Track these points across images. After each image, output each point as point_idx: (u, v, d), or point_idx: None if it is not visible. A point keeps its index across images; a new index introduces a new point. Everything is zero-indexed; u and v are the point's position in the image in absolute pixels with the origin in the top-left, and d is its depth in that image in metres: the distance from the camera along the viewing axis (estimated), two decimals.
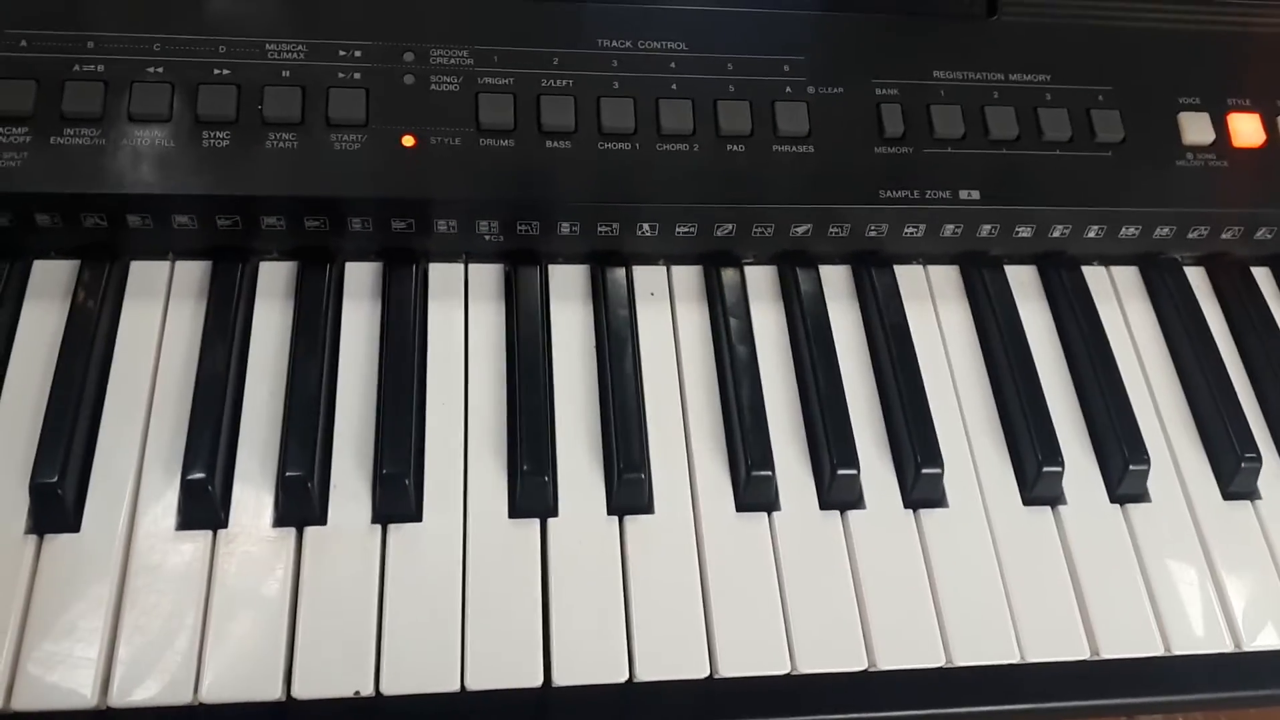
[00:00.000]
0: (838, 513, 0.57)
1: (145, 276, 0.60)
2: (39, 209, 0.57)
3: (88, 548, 0.52)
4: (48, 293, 0.58)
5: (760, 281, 0.64)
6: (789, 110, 0.62)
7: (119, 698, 0.49)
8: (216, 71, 0.59)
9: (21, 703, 0.48)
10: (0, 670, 0.48)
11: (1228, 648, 0.56)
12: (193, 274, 0.60)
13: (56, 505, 0.52)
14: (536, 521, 0.55)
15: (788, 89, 0.63)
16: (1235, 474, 0.60)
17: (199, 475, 0.53)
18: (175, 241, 0.60)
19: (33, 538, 0.52)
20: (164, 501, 0.53)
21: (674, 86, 0.62)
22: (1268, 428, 0.64)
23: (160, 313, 0.59)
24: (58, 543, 0.52)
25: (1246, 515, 0.60)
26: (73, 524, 0.52)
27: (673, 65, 0.63)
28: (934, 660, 0.54)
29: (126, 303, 0.59)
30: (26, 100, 0.57)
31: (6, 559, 0.51)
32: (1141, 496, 0.60)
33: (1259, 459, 0.60)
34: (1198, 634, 0.56)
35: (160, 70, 0.59)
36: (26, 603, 0.50)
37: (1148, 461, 0.59)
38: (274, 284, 0.60)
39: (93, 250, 0.59)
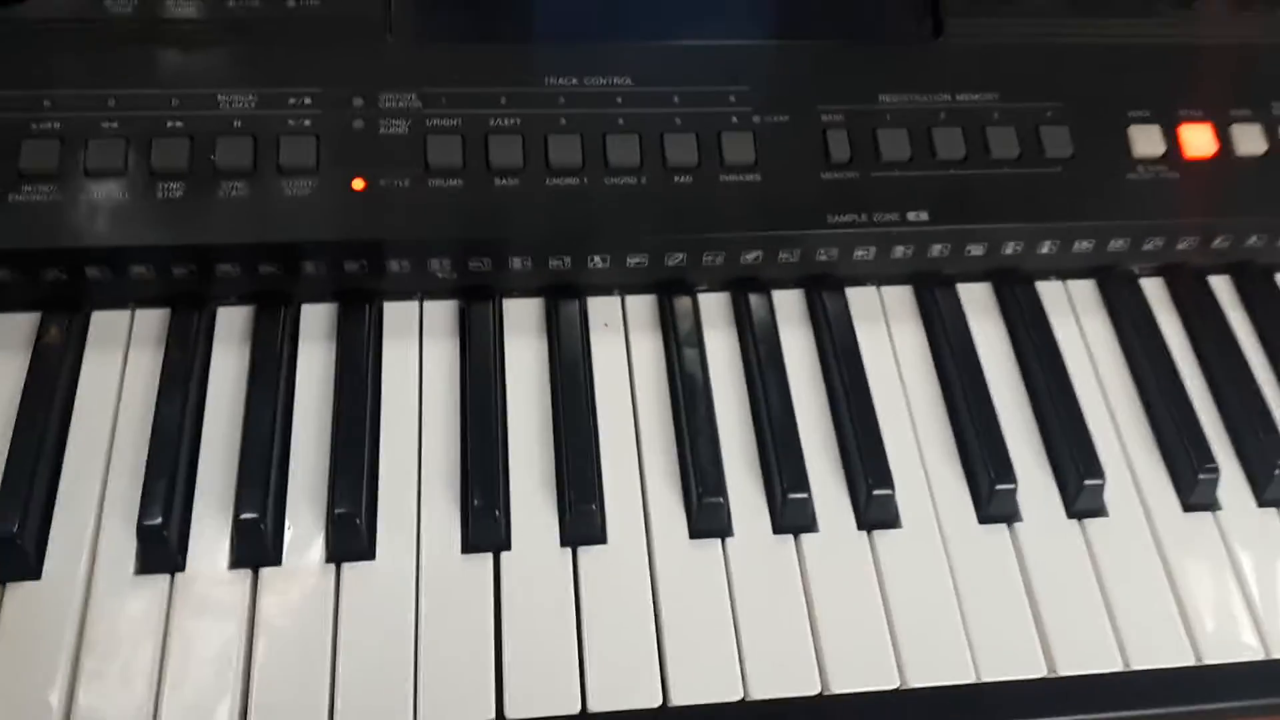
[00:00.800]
0: (791, 537, 0.57)
1: (106, 326, 0.61)
2: None
3: (49, 595, 0.53)
4: (9, 345, 0.60)
5: (713, 308, 0.65)
6: (735, 140, 0.63)
7: None
8: (169, 124, 0.60)
9: None
10: None
11: (1189, 661, 0.56)
12: (152, 322, 0.61)
13: (17, 553, 0.53)
14: (490, 555, 0.56)
15: (733, 119, 0.64)
16: (1194, 486, 0.60)
17: (155, 521, 0.53)
18: (134, 291, 0.61)
19: None
20: (123, 546, 0.54)
21: (620, 121, 0.63)
22: (1228, 438, 0.63)
23: (120, 361, 0.60)
24: (19, 590, 0.53)
25: (1207, 527, 0.60)
26: (34, 571, 0.53)
27: (619, 100, 0.64)
28: (889, 683, 0.54)
29: (88, 352, 0.60)
30: None
31: None
32: (1099, 511, 0.60)
33: (1217, 470, 0.60)
34: (1159, 648, 0.56)
35: (115, 125, 0.60)
36: None
37: (1102, 476, 0.59)
38: (231, 329, 0.62)
39: (54, 302, 0.61)
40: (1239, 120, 0.68)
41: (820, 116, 0.65)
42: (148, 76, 0.61)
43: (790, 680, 0.53)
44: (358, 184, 0.60)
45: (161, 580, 0.54)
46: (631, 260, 0.63)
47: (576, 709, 0.52)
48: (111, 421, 0.58)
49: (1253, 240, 0.68)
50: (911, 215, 0.63)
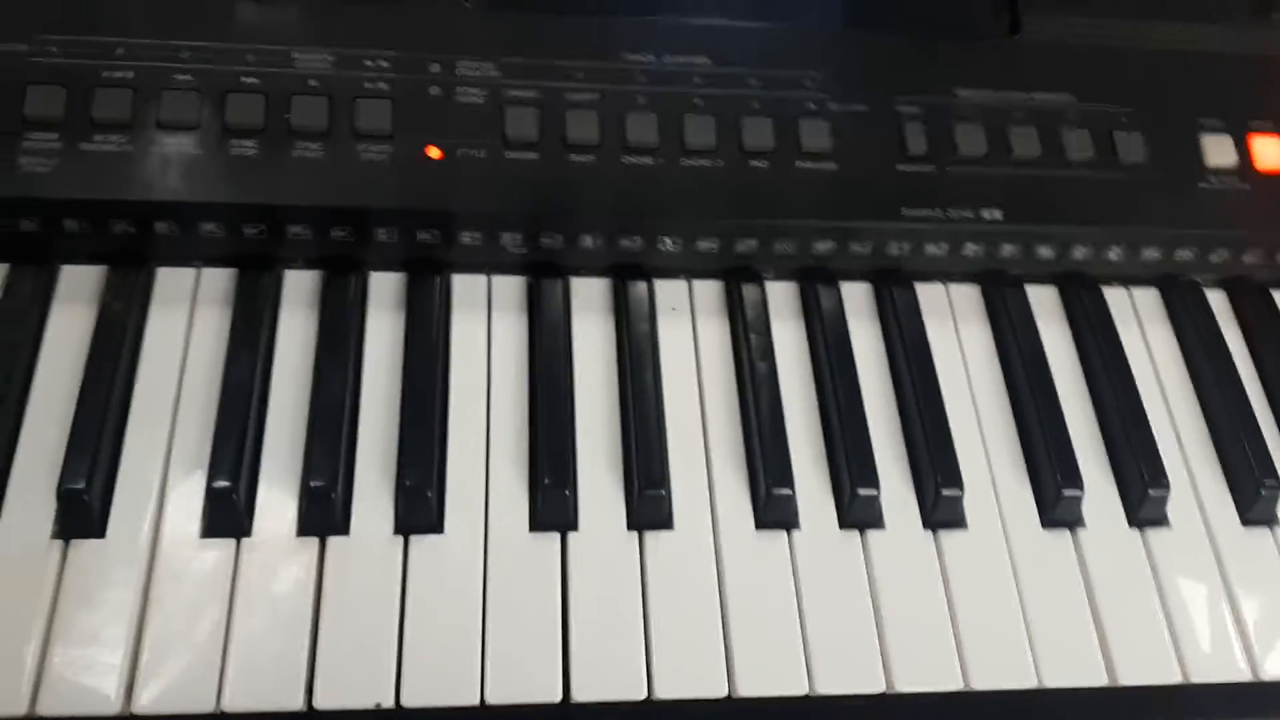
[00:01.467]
0: (857, 532, 0.57)
1: (172, 284, 0.60)
2: (67, 215, 0.57)
3: (113, 554, 0.52)
4: (75, 298, 0.59)
5: (781, 298, 0.65)
6: (812, 127, 0.62)
7: (142, 704, 0.49)
8: (244, 80, 0.59)
9: (46, 708, 0.48)
10: (26, 675, 0.49)
11: (1245, 676, 0.56)
12: (219, 282, 0.60)
13: (83, 511, 0.52)
14: (557, 535, 0.55)
15: (811, 105, 0.63)
16: (1255, 500, 0.60)
17: (224, 483, 0.53)
18: (202, 249, 0.60)
19: (59, 543, 0.52)
20: (189, 509, 0.54)
21: (698, 101, 0.62)
22: None
23: (186, 320, 0.59)
24: (83, 548, 0.52)
25: (1265, 542, 0.60)
26: (98, 530, 0.53)
27: (697, 80, 0.63)
28: (952, 684, 0.54)
29: (153, 309, 0.59)
30: (57, 106, 0.57)
31: (33, 564, 0.51)
32: (1160, 521, 0.60)
33: (1279, 485, 0.60)
34: (1215, 661, 0.56)
35: (189, 78, 0.59)
36: (52, 608, 0.51)
37: (1167, 486, 0.59)
38: (299, 293, 0.61)
39: (120, 256, 0.60)
40: None
41: (897, 108, 0.64)
42: (223, 30, 0.60)
43: (855, 677, 0.53)
44: (433, 152, 0.59)
45: (228, 544, 0.53)
46: (702, 244, 0.62)
47: (643, 695, 0.52)
48: (177, 381, 0.57)
49: None
50: (985, 213, 0.63)
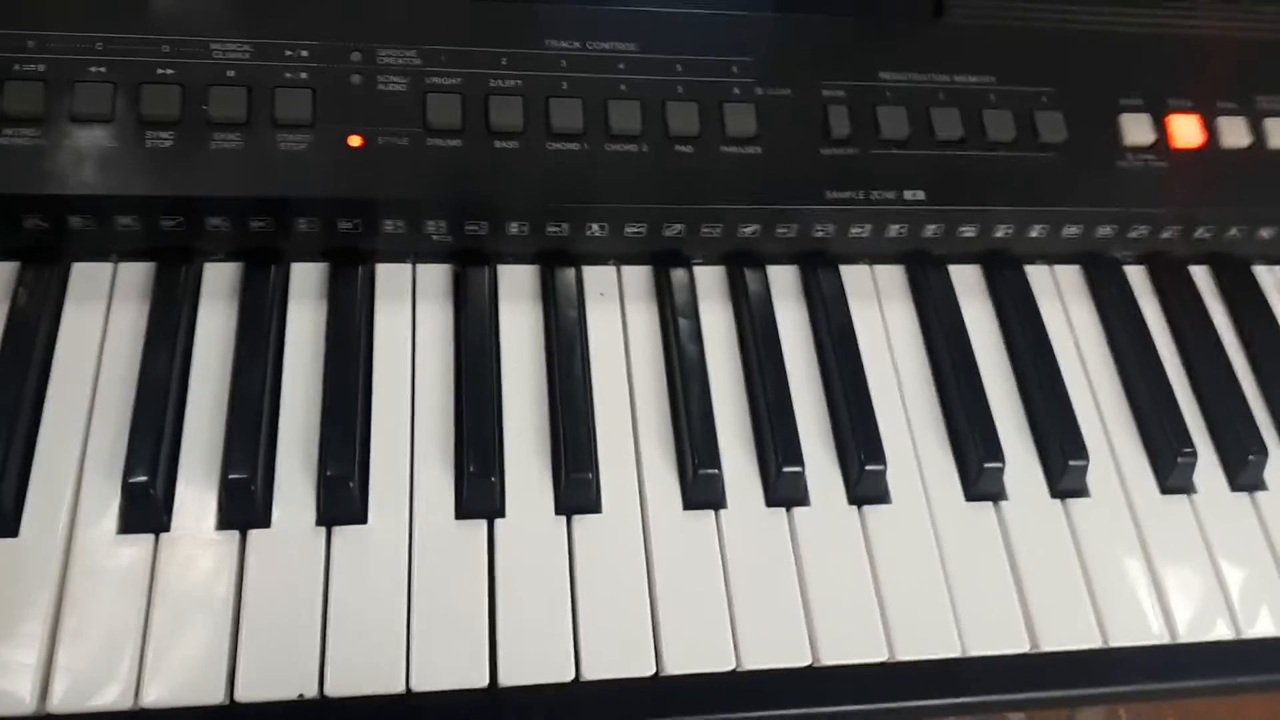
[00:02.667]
0: (784, 510, 0.58)
1: (87, 278, 0.59)
2: None
3: (26, 552, 0.51)
4: None
5: (709, 281, 0.65)
6: (737, 111, 0.63)
7: (59, 704, 0.48)
8: (160, 71, 0.58)
9: None
10: None
11: (1165, 639, 0.57)
12: (136, 275, 0.60)
13: None
14: (484, 522, 0.55)
15: (736, 90, 0.64)
16: (1172, 469, 0.61)
17: (141, 478, 0.52)
18: (118, 242, 0.59)
19: None
20: (105, 505, 0.53)
21: (623, 87, 0.62)
22: (1205, 423, 0.65)
23: (103, 315, 0.58)
24: None
25: (1183, 509, 0.61)
26: (11, 529, 0.52)
27: (621, 66, 0.63)
28: (877, 655, 0.54)
29: (68, 304, 0.58)
30: None
31: None
32: (1081, 491, 0.61)
33: (1194, 454, 0.62)
34: (1136, 626, 0.57)
35: (103, 69, 0.58)
36: None
37: (1086, 457, 0.60)
38: (218, 285, 0.60)
39: (34, 252, 0.59)
40: (1225, 113, 0.69)
41: (822, 91, 0.64)
42: (138, 20, 0.59)
43: (781, 651, 0.54)
44: (354, 140, 0.59)
45: (145, 540, 0.52)
46: (629, 229, 0.62)
47: (570, 677, 0.52)
48: (94, 376, 0.56)
49: (1233, 231, 0.69)
50: (908, 194, 0.63)
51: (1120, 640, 0.57)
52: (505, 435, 0.58)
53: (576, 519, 0.56)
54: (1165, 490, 0.62)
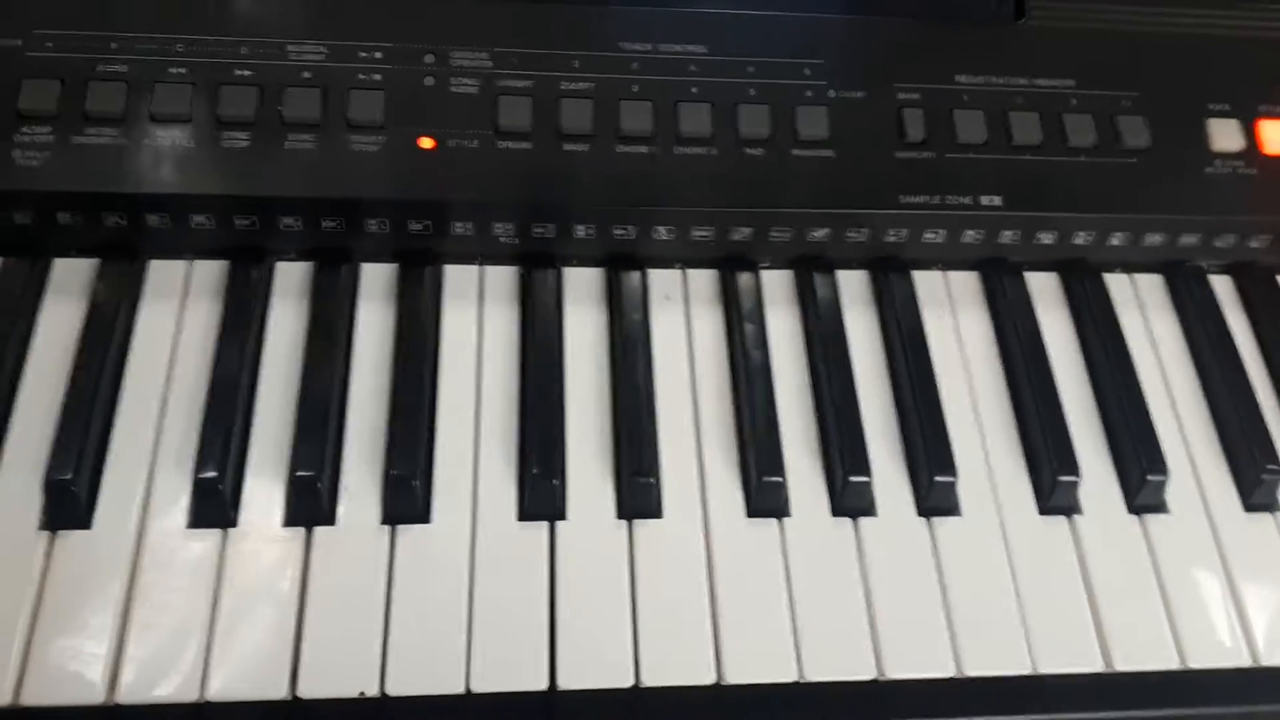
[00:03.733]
0: (849, 520, 0.57)
1: (163, 275, 0.60)
2: (60, 208, 0.58)
3: (99, 544, 0.52)
4: (68, 290, 0.59)
5: (776, 286, 0.64)
6: (809, 114, 0.62)
7: (127, 694, 0.49)
8: (237, 72, 0.59)
9: (31, 697, 0.49)
10: (11, 665, 0.49)
11: (1245, 662, 0.55)
12: (210, 273, 0.61)
13: (70, 502, 0.52)
14: (545, 524, 0.55)
15: (808, 92, 0.63)
16: (1256, 486, 0.59)
17: (211, 474, 0.53)
18: (193, 241, 0.60)
19: (45, 533, 0.52)
20: (176, 500, 0.54)
21: (693, 90, 0.62)
22: None
23: (177, 312, 0.59)
24: (70, 539, 0.52)
25: (1267, 528, 0.59)
26: (85, 521, 0.53)
27: (692, 68, 0.63)
28: (944, 670, 0.53)
29: (144, 301, 0.59)
30: (50, 100, 0.57)
31: (19, 554, 0.51)
32: (1160, 507, 0.59)
33: None
34: (1214, 647, 0.55)
35: (182, 71, 0.59)
36: (38, 598, 0.51)
37: (1165, 472, 0.58)
38: (290, 284, 0.61)
39: (112, 249, 0.60)
40: None
41: (896, 94, 0.63)
42: (217, 22, 0.60)
43: (845, 664, 0.53)
44: (426, 142, 0.59)
45: (214, 535, 0.53)
46: (697, 233, 0.62)
47: (630, 682, 0.51)
48: (166, 372, 0.57)
49: None
50: (984, 199, 0.62)
51: (1199, 661, 0.55)
52: (568, 438, 0.57)
53: (638, 523, 0.55)
54: (1249, 508, 0.60)
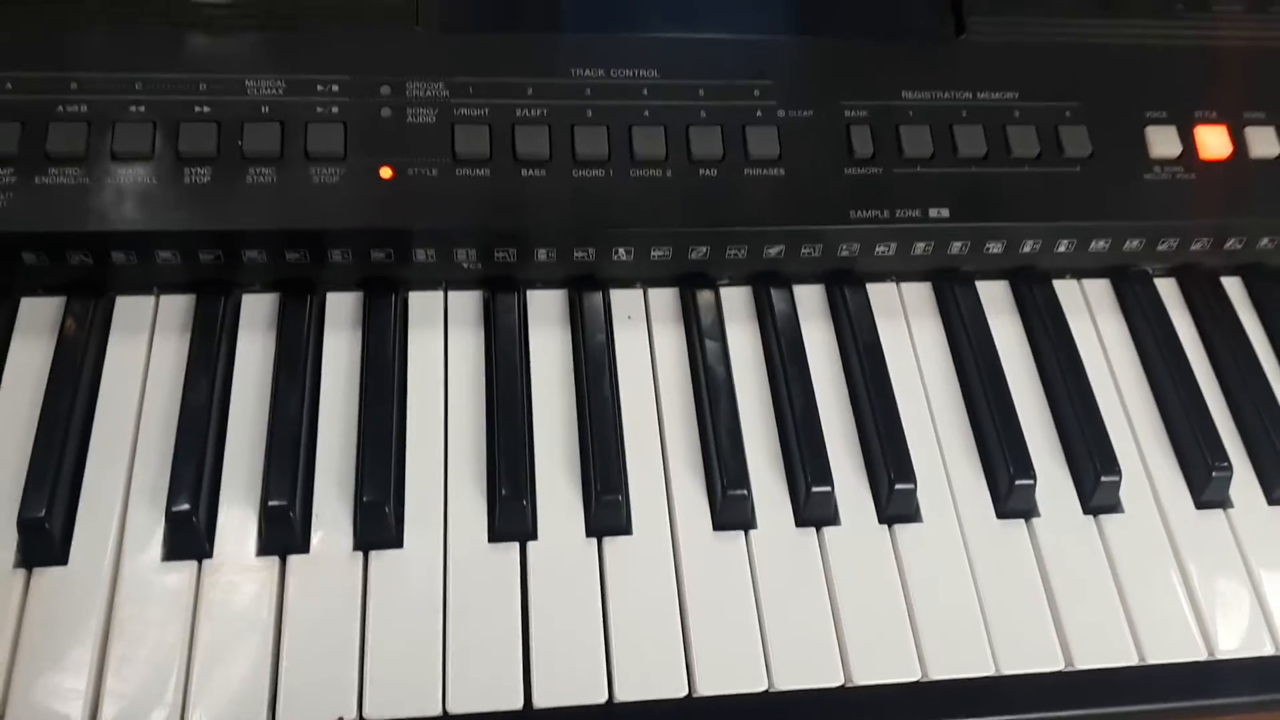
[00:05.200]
0: (813, 530, 0.58)
1: (131, 311, 0.61)
2: (25, 248, 0.58)
3: (76, 580, 0.53)
4: (35, 329, 0.60)
5: (736, 302, 0.66)
6: (760, 134, 0.63)
7: None
8: (197, 109, 0.60)
9: None
10: None
11: (1202, 656, 0.57)
12: (177, 308, 0.61)
13: (44, 539, 0.53)
14: (516, 545, 0.56)
15: (758, 113, 0.64)
16: (1207, 484, 0.61)
17: (184, 506, 0.54)
18: (159, 276, 0.61)
19: (21, 571, 0.53)
20: (150, 533, 0.54)
21: (646, 113, 0.63)
22: (1239, 437, 0.64)
23: (145, 347, 0.60)
24: (46, 576, 0.53)
25: (1219, 524, 0.61)
26: (60, 557, 0.53)
27: (645, 92, 0.64)
28: (909, 675, 0.54)
29: (112, 338, 0.60)
30: (11, 141, 0.58)
31: None
32: (1114, 507, 0.61)
33: (1230, 468, 0.61)
34: (1172, 643, 0.57)
35: (142, 109, 0.60)
36: (16, 635, 0.51)
37: (1119, 473, 0.60)
38: (256, 316, 0.62)
39: (79, 286, 0.61)
40: (1253, 123, 0.68)
41: (844, 112, 0.65)
42: (175, 60, 0.61)
43: (814, 672, 0.54)
44: (385, 172, 0.60)
45: (189, 566, 0.54)
46: (655, 253, 0.63)
47: (603, 698, 0.52)
48: (137, 407, 0.58)
49: (1264, 242, 0.69)
50: (933, 212, 0.64)
51: (1158, 657, 0.56)
52: (536, 459, 0.58)
53: (607, 541, 0.57)
54: (1201, 505, 0.61)
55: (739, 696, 0.53)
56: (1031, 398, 0.64)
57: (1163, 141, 0.67)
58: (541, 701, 0.52)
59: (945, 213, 0.64)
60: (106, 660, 0.51)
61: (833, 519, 0.58)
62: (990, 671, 0.55)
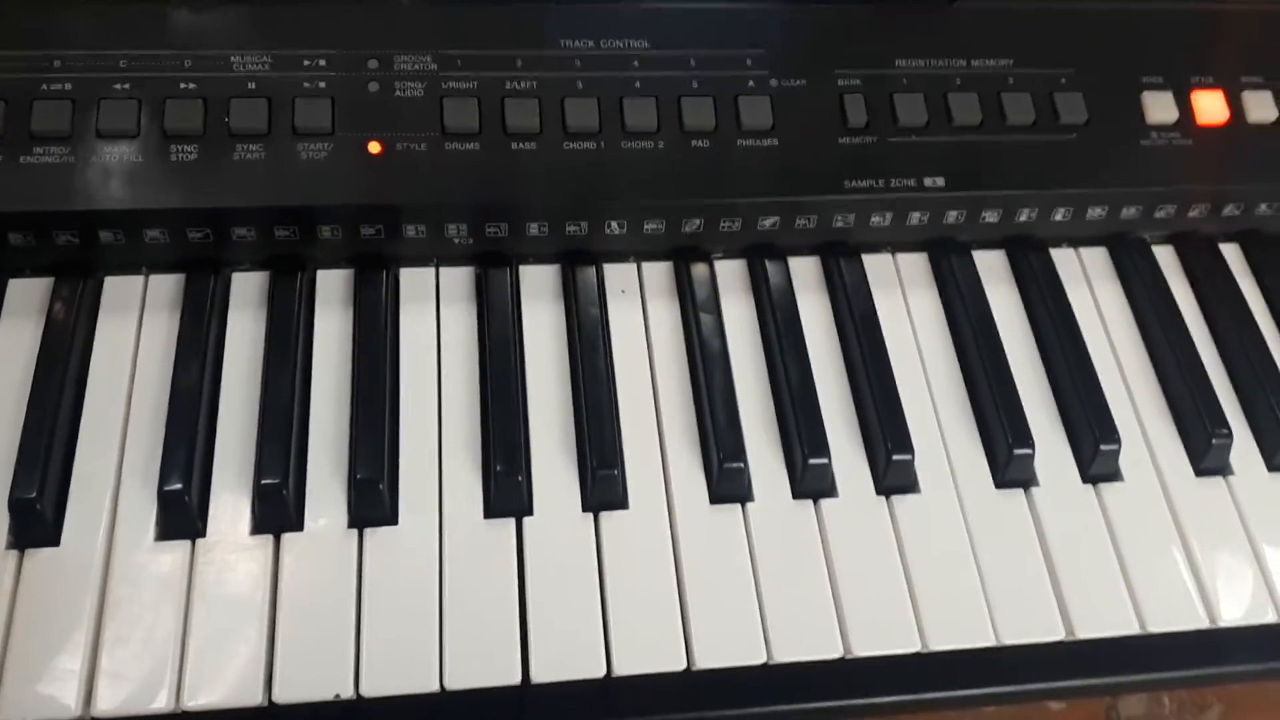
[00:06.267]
0: (810, 502, 0.58)
1: (119, 291, 0.60)
2: (11, 228, 0.58)
3: (68, 561, 0.53)
4: (23, 310, 0.59)
5: (730, 275, 0.65)
6: (752, 104, 0.63)
7: (102, 708, 0.49)
8: (183, 85, 0.59)
9: (5, 715, 0.49)
10: None
11: (1204, 624, 0.57)
12: (166, 287, 0.61)
13: (36, 520, 0.53)
14: (512, 521, 0.56)
15: (750, 83, 0.64)
16: (1206, 451, 0.61)
17: (176, 486, 0.53)
18: (148, 255, 0.60)
19: (13, 553, 0.52)
20: (142, 513, 0.54)
21: (637, 85, 0.63)
22: (1239, 403, 0.64)
23: (135, 326, 0.59)
24: (38, 557, 0.53)
25: (1219, 491, 0.61)
26: (53, 538, 0.53)
27: (635, 64, 0.63)
28: (910, 645, 0.54)
29: (101, 317, 0.60)
30: None
31: None
32: (1114, 476, 0.60)
33: (1230, 435, 0.61)
34: (1173, 611, 0.57)
35: (127, 86, 0.59)
36: (9, 617, 0.51)
37: (1118, 441, 0.60)
38: (246, 294, 0.61)
39: (67, 267, 0.60)
40: (1250, 87, 0.68)
41: (837, 81, 0.64)
42: (160, 37, 0.60)
43: (813, 644, 0.54)
44: (374, 147, 0.59)
45: (182, 546, 0.53)
46: (648, 226, 0.63)
47: (602, 673, 0.52)
48: (127, 387, 0.58)
49: (1262, 208, 0.68)
50: (928, 181, 0.63)
51: (1159, 626, 0.56)
52: (531, 434, 0.58)
53: (604, 516, 0.56)
54: (1200, 472, 0.61)
55: (738, 669, 0.53)
56: (1029, 367, 0.63)
57: (1159, 107, 0.66)
58: (539, 676, 0.52)
59: (940, 182, 0.63)
60: (101, 641, 0.51)
61: (830, 491, 0.58)
62: (991, 642, 0.55)
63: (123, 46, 0.60)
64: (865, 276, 0.65)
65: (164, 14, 0.61)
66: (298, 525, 0.54)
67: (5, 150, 0.57)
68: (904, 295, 0.65)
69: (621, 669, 0.52)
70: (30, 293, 0.60)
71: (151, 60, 0.60)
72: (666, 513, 0.57)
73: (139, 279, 0.61)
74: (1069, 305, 0.65)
